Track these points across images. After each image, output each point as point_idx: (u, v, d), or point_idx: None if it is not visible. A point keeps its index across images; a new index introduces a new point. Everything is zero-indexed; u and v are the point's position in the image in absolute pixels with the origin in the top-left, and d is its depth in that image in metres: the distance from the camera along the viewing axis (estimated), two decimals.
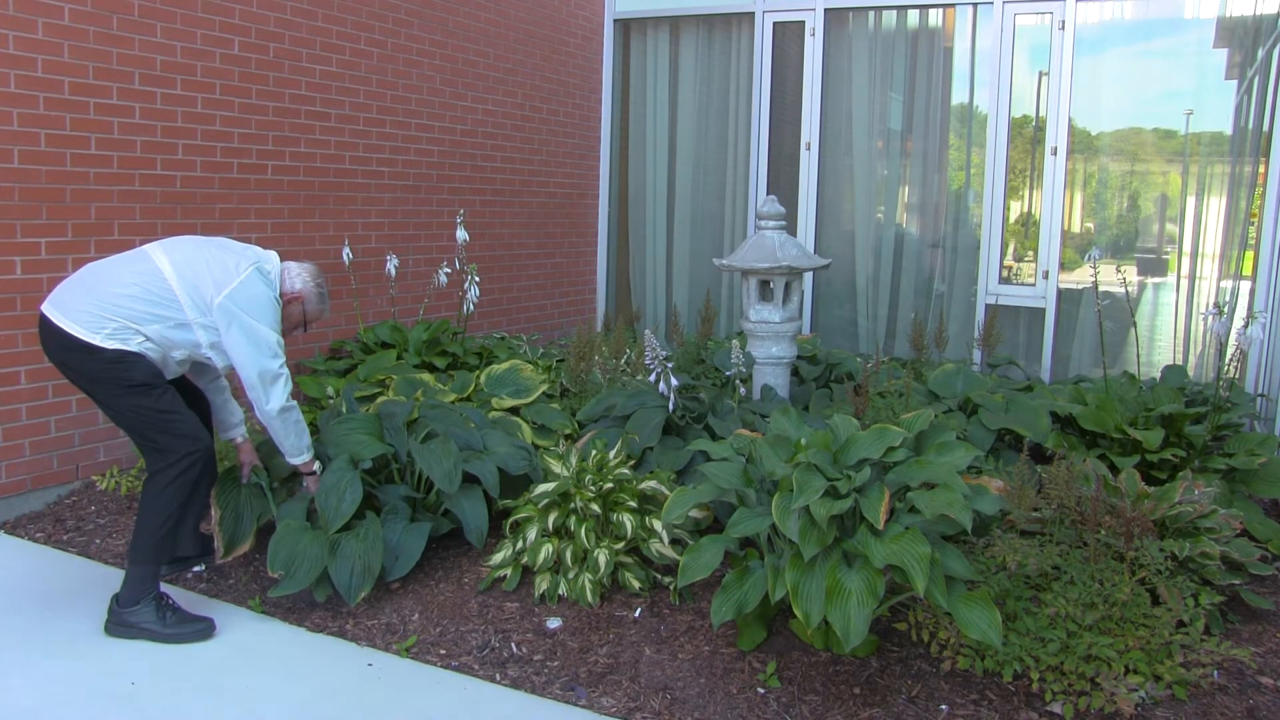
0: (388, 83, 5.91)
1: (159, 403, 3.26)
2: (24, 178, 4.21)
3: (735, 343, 4.63)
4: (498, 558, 3.67)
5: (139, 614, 3.23)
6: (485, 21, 6.61)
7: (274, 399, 3.42)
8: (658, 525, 3.58)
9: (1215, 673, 3.03)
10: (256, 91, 5.16)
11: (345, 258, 5.57)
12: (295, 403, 3.54)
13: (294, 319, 3.59)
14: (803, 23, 7.02)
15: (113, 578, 3.70)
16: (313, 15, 5.41)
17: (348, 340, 5.68)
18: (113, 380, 3.22)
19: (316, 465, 3.71)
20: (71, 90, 4.35)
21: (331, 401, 4.99)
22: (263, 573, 3.76)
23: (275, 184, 5.29)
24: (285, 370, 3.44)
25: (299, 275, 3.57)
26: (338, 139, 5.62)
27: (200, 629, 3.27)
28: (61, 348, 3.23)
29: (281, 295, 3.49)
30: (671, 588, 3.56)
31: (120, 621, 3.24)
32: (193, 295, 3.30)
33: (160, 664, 3.08)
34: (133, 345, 3.21)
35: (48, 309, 3.26)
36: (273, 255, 3.55)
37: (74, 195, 4.38)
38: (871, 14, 6.92)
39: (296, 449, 3.62)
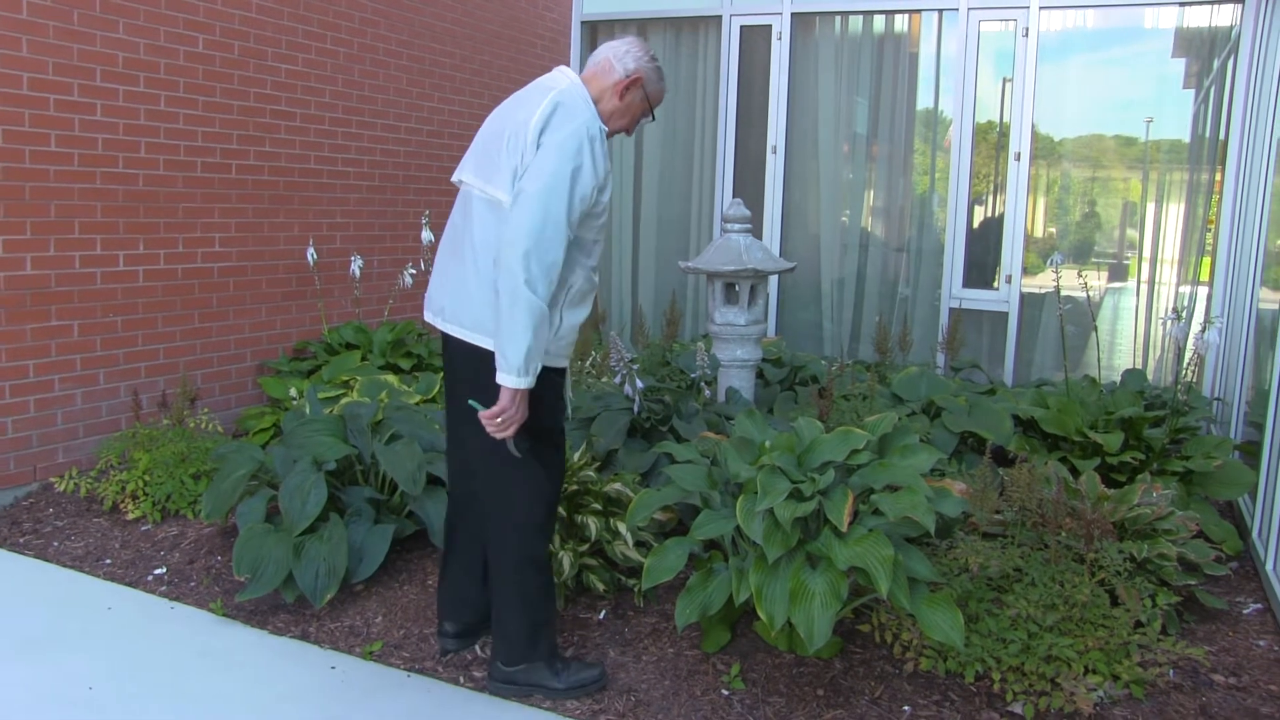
0: (354, 82, 5.87)
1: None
2: None
3: (700, 345, 4.65)
4: None
5: (531, 672, 2.92)
6: (452, 22, 6.59)
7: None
8: (622, 527, 3.57)
9: (1171, 671, 3.09)
10: (221, 90, 5.10)
11: (310, 258, 5.53)
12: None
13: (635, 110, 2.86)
14: (769, 26, 7.05)
15: (70, 581, 3.66)
16: (278, 14, 5.36)
17: (312, 341, 5.64)
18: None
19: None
20: (31, 86, 4.28)
21: (295, 402, 4.95)
22: (224, 575, 3.72)
23: (239, 183, 5.24)
24: None
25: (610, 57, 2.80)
26: (303, 138, 5.58)
27: (592, 678, 2.95)
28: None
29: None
30: (636, 590, 3.56)
31: (504, 679, 2.94)
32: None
33: (119, 669, 3.04)
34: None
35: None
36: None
37: (33, 193, 4.31)
38: (838, 19, 6.96)
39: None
